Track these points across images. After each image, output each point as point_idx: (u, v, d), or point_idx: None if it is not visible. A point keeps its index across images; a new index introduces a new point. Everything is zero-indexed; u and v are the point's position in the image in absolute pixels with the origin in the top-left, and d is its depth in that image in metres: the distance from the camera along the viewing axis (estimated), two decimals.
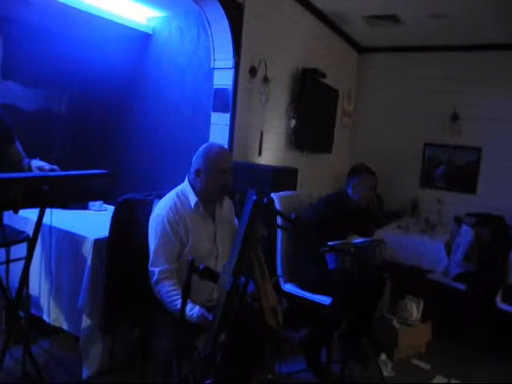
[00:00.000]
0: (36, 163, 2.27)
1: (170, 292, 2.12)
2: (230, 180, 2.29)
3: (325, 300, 2.98)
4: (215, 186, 2.26)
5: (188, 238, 2.23)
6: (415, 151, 5.80)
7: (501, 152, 5.25)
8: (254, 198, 1.77)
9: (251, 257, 2.05)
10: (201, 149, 2.33)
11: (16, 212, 2.07)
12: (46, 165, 2.24)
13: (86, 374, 2.57)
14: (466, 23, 4.72)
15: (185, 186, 2.35)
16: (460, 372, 3.20)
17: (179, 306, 2.04)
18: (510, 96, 5.22)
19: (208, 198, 2.32)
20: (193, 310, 2.04)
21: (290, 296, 3.12)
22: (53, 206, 2.22)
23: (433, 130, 5.67)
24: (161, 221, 2.22)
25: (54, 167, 2.20)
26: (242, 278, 1.74)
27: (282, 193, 3.33)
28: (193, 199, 2.29)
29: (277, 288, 3.06)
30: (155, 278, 2.15)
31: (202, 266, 1.77)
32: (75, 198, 2.31)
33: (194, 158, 2.32)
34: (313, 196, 4.93)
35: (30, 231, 2.27)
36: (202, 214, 2.32)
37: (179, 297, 2.07)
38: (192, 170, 2.32)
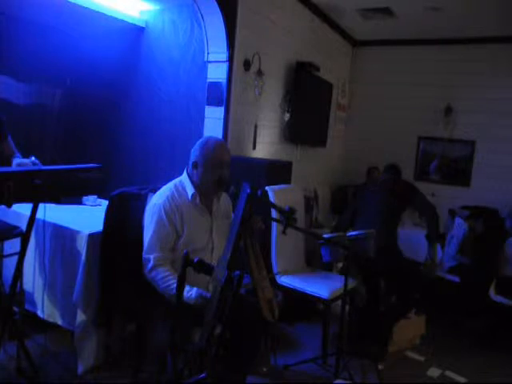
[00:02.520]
0: (16, 161, 2.25)
1: (165, 278, 2.13)
2: (226, 174, 2.29)
3: (319, 293, 2.99)
4: (211, 178, 2.26)
5: (183, 229, 2.23)
6: (409, 145, 5.81)
7: (494, 145, 5.27)
8: (248, 190, 1.77)
9: (248, 249, 2.05)
10: (199, 141, 2.33)
11: (9, 206, 2.06)
12: (26, 160, 2.22)
13: (80, 368, 2.57)
14: (459, 16, 4.72)
15: (183, 177, 2.35)
16: (454, 363, 3.22)
17: (175, 290, 2.05)
18: (504, 89, 5.24)
19: (204, 191, 2.32)
20: (190, 292, 2.05)
21: (285, 289, 3.12)
22: (46, 200, 2.20)
23: (427, 124, 5.68)
24: (157, 210, 2.22)
25: (35, 161, 2.19)
26: (237, 271, 1.74)
27: (276, 186, 3.32)
28: (190, 191, 2.29)
29: (272, 281, 3.06)
30: (150, 264, 2.16)
31: (196, 259, 1.77)
32: (68, 191, 2.31)
33: (192, 149, 2.32)
34: (307, 189, 4.96)
35: (24, 226, 2.26)
36: (199, 206, 2.31)
37: (175, 281, 2.07)
38: (190, 161, 2.31)
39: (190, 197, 2.28)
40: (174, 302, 2.06)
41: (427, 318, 3.60)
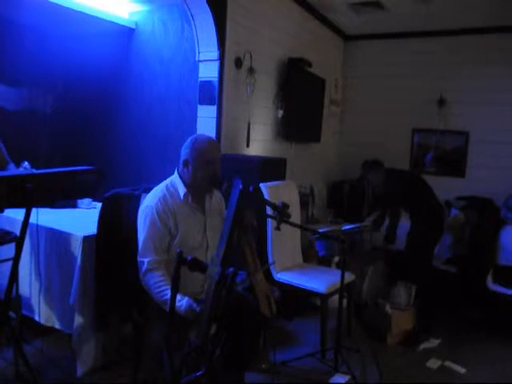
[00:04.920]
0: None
1: (158, 283, 2.11)
2: (218, 171, 2.28)
3: (316, 287, 2.99)
4: (203, 176, 2.25)
5: (177, 229, 2.22)
6: (404, 137, 5.81)
7: (488, 135, 5.28)
8: (240, 186, 1.77)
9: (243, 246, 2.05)
10: (189, 139, 2.32)
11: (1, 211, 2.06)
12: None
13: (79, 371, 2.57)
14: (450, 8, 4.72)
15: (174, 177, 2.34)
16: (453, 353, 3.23)
17: (167, 296, 2.05)
18: (495, 80, 5.24)
19: (196, 189, 2.31)
20: (181, 302, 2.03)
21: (282, 285, 3.12)
22: (38, 204, 2.20)
23: (420, 116, 5.68)
24: (150, 212, 2.20)
25: (27, 166, 2.19)
26: (231, 269, 1.74)
27: (270, 183, 3.32)
28: (182, 190, 2.28)
29: (269, 277, 3.06)
30: (144, 268, 2.15)
31: (190, 258, 1.77)
32: (61, 195, 2.29)
33: (183, 148, 2.31)
34: (303, 185, 4.96)
35: (18, 231, 2.25)
36: (191, 205, 2.31)
37: (167, 287, 2.06)
38: (180, 160, 2.31)
39: (181, 197, 2.27)
40: (163, 307, 2.07)
41: (424, 310, 3.60)
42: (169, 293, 2.05)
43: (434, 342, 3.36)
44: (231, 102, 3.96)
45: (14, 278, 2.26)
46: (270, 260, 3.20)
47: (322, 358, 2.93)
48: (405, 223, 4.48)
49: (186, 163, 2.27)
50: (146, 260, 2.16)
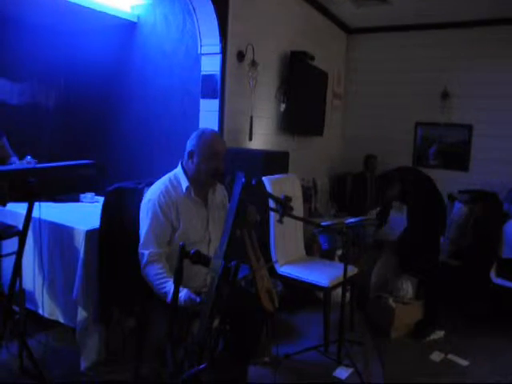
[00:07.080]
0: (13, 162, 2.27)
1: (158, 275, 2.11)
2: (222, 165, 2.27)
3: (319, 281, 2.99)
4: (207, 169, 2.24)
5: (179, 222, 2.22)
6: (407, 131, 5.80)
7: (491, 129, 5.26)
8: (243, 179, 1.76)
9: (245, 241, 2.05)
10: (195, 132, 2.32)
11: (4, 205, 2.06)
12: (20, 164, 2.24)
13: (83, 365, 2.57)
14: (453, 1, 4.69)
15: (177, 170, 2.34)
16: (456, 347, 3.23)
17: (166, 289, 2.05)
18: (498, 72, 5.21)
19: (200, 182, 2.30)
20: (180, 294, 2.03)
21: (285, 279, 3.12)
22: (41, 198, 2.20)
23: (424, 109, 5.66)
24: (152, 205, 2.20)
25: (30, 160, 2.19)
26: (233, 262, 1.73)
27: (273, 176, 3.31)
28: (184, 184, 2.27)
29: (272, 271, 3.06)
30: (145, 260, 2.15)
31: (193, 251, 1.76)
32: (63, 189, 2.30)
33: (189, 140, 2.31)
34: (306, 179, 4.95)
35: (21, 225, 2.25)
36: (194, 198, 2.30)
37: (167, 280, 2.07)
38: (185, 152, 2.30)
39: (184, 190, 2.27)
40: (164, 300, 2.07)
41: (428, 303, 3.60)
42: (168, 285, 2.06)
43: (437, 335, 3.35)
44: (233, 96, 3.95)
45: (17, 272, 2.27)
46: (273, 254, 3.20)
47: (325, 352, 2.93)
48: (391, 214, 4.46)
49: (191, 154, 2.26)
50: (146, 252, 2.16)
